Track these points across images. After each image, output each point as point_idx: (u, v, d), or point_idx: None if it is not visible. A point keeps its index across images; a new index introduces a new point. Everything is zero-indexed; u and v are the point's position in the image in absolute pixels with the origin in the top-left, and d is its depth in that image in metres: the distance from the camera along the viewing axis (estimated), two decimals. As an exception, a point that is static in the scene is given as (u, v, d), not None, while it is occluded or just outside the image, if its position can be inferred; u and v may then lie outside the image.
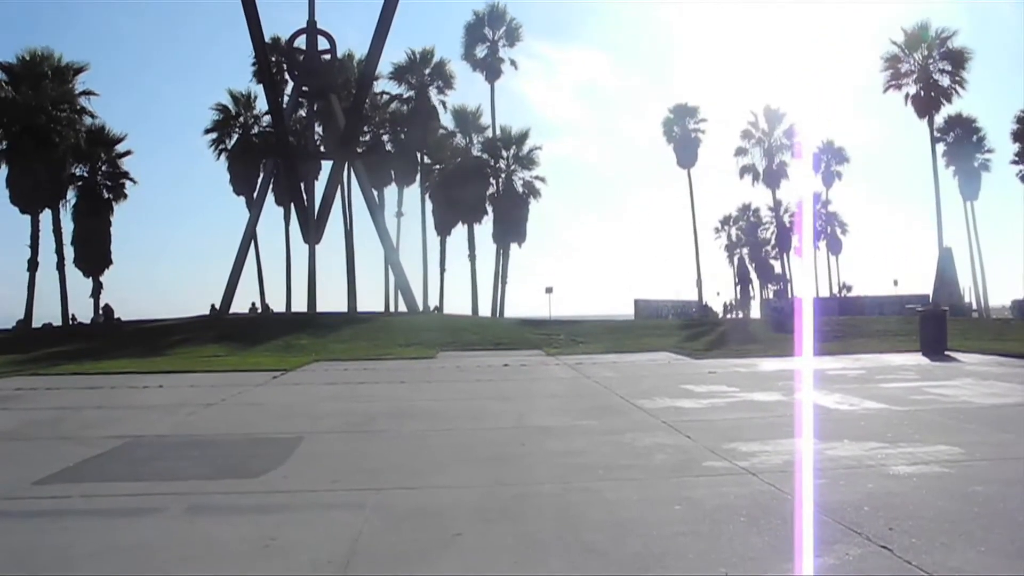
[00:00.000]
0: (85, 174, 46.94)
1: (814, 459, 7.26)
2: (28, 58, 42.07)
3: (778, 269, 74.01)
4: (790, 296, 66.61)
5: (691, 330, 31.16)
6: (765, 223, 79.08)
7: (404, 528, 5.38)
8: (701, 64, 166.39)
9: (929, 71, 54.09)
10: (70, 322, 44.22)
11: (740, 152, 64.79)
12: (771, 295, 69.40)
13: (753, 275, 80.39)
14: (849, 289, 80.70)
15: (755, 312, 56.79)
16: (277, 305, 51.87)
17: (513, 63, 56.32)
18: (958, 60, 53.80)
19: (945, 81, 54.29)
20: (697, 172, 65.89)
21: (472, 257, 54.78)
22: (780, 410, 10.56)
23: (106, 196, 47.33)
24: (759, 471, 6.76)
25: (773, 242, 75.72)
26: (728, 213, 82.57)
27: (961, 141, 60.14)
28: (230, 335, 29.86)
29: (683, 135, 61.97)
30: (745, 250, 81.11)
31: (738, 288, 54.33)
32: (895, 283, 72.18)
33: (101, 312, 44.57)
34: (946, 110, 56.43)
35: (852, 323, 31.63)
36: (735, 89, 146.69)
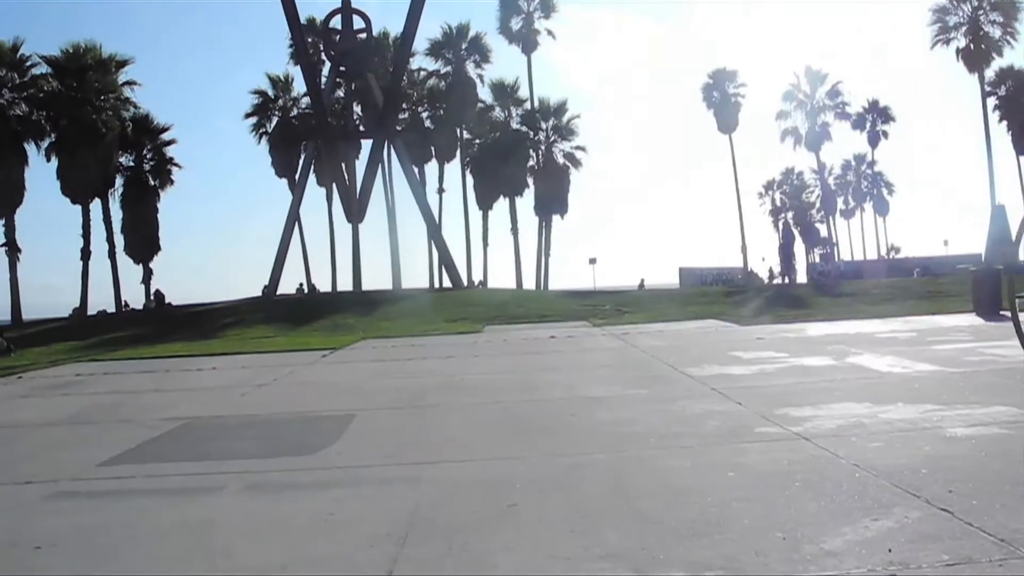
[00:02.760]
0: (132, 163, 47.67)
1: (868, 423, 7.19)
2: (72, 51, 42.66)
3: (824, 232, 72.92)
4: (837, 260, 65.72)
5: (737, 297, 30.90)
6: (809, 186, 77.88)
7: (460, 500, 5.44)
8: (739, 27, 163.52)
9: (979, 23, 52.57)
10: (123, 309, 45.10)
11: (781, 115, 63.73)
12: (817, 259, 68.40)
13: (798, 239, 79.42)
14: (897, 251, 79.44)
15: (801, 276, 56.08)
16: (323, 285, 52.43)
17: (550, 33, 55.89)
18: (1009, 10, 52.18)
19: (996, 33, 52.78)
20: (738, 137, 64.86)
21: (515, 231, 54.75)
22: (831, 374, 10.45)
23: (152, 184, 48.03)
24: (812, 436, 6.71)
25: (818, 205, 74.57)
26: (771, 177, 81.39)
27: (1014, 94, 58.38)
28: (278, 316, 30.27)
29: (723, 100, 61.06)
30: (790, 214, 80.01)
31: (782, 253, 53.58)
32: (945, 243, 70.64)
33: (152, 298, 45.39)
34: (997, 63, 54.93)
35: (901, 285, 31.11)
36: (775, 51, 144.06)
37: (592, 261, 50.16)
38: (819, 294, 28.70)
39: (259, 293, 42.91)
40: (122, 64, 44.68)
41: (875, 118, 71.57)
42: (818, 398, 8.54)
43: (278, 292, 43.13)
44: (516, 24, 54.82)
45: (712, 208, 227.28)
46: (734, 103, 61.40)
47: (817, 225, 75.80)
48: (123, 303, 46.20)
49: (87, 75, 42.21)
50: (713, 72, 61.95)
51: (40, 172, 50.54)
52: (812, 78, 63.36)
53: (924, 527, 4.33)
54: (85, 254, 44.16)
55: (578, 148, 55.75)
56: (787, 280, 51.34)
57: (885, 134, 73.12)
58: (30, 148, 41.59)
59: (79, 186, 42.59)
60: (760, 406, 8.20)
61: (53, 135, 42.11)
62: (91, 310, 43.93)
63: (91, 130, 41.37)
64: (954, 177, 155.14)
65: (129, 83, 45.56)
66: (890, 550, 4.02)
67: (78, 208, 43.97)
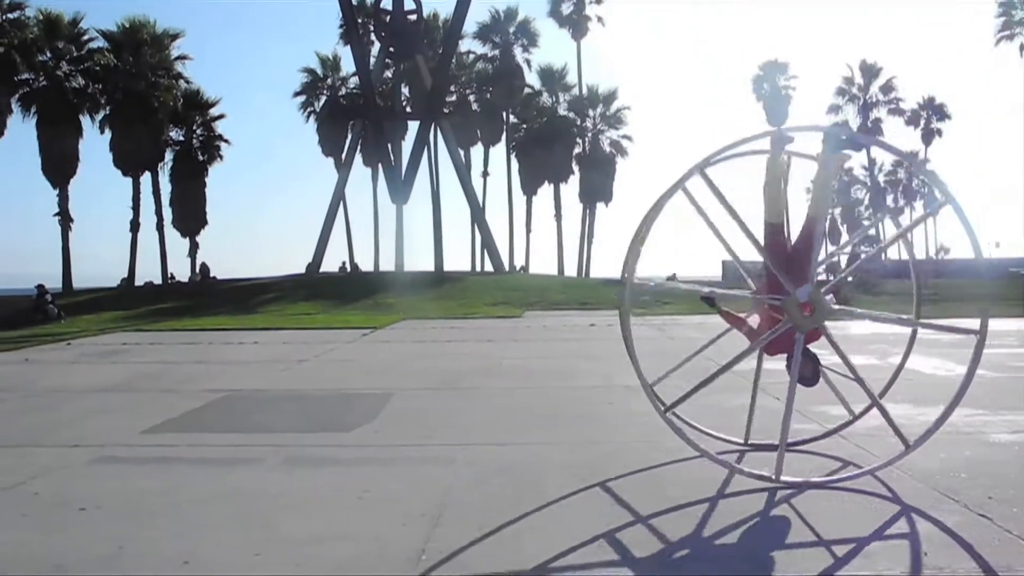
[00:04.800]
0: (182, 137, 48.32)
1: (908, 424, 7.09)
2: (128, 26, 43.28)
3: (872, 231, 71.70)
4: (883, 258, 64.66)
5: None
6: (858, 183, 76.64)
7: (494, 483, 5.48)
8: (792, 18, 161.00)
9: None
10: (169, 281, 45.83)
11: (833, 109, 62.65)
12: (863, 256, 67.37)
13: (845, 236, 78.30)
14: (947, 251, 77.89)
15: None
16: (366, 264, 52.80)
17: (600, 19, 55.39)
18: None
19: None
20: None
21: (558, 217, 54.60)
22: (872, 374, 10.27)
23: (201, 159, 48.64)
24: (850, 434, 6.66)
25: (866, 202, 73.36)
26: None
27: (1077, 95, 56.76)
28: (321, 293, 30.59)
29: (773, 92, 60.17)
30: (837, 211, 78.89)
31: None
32: (996, 245, 68.90)
33: (198, 271, 46.05)
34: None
35: (949, 286, 30.52)
36: (827, 44, 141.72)
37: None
38: (863, 293, 28.23)
39: (302, 270, 43.36)
40: (174, 37, 45.22)
41: (930, 115, 70.02)
42: (858, 397, 8.42)
43: (321, 270, 43.54)
44: (566, 9, 54.44)
45: (758, 201, 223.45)
46: (784, 95, 60.48)
47: (865, 223, 74.64)
48: (169, 275, 46.94)
49: (142, 50, 42.80)
50: (764, 64, 61.08)
51: (93, 144, 51.44)
52: (866, 72, 62.25)
53: (962, 532, 4.28)
54: (134, 226, 44.93)
55: (625, 137, 55.37)
56: (832, 278, 50.59)
57: (939, 132, 71.47)
58: (85, 120, 42.36)
59: (131, 159, 43.27)
60: (798, 402, 8.07)
61: (108, 108, 42.80)
62: (138, 281, 44.72)
63: (144, 104, 42.00)
64: (1010, 178, 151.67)
65: (181, 57, 46.16)
66: (926, 554, 3.99)
67: (129, 180, 44.73)
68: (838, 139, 5.53)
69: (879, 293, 28.39)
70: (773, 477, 5.14)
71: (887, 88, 61.97)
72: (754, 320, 6.02)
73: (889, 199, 78.86)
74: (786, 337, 5.44)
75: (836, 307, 5.55)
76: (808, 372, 5.67)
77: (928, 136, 71.09)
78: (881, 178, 76.26)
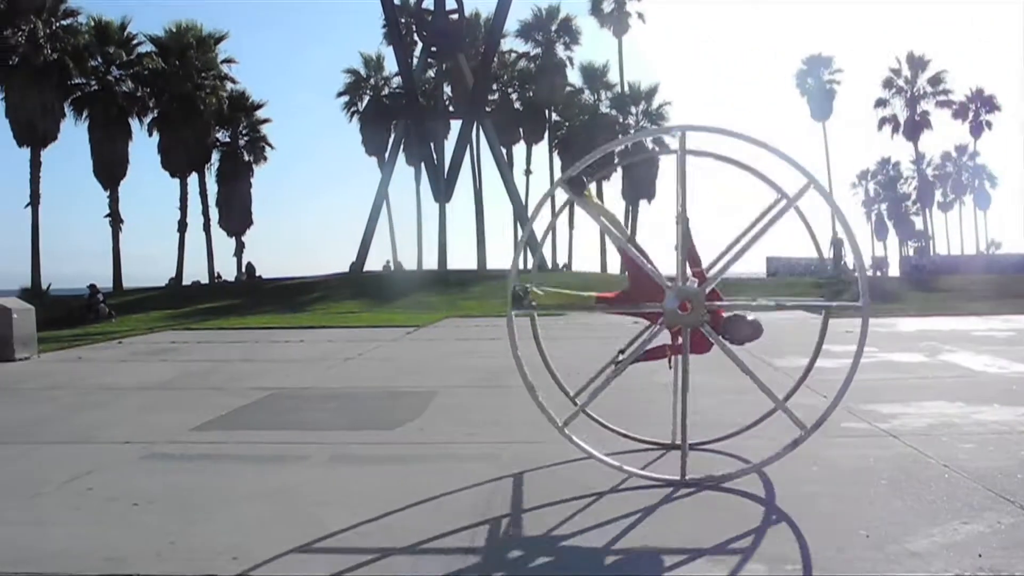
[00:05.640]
0: (227, 138, 48.98)
1: (960, 423, 6.96)
2: (175, 30, 43.99)
3: (919, 225, 70.45)
4: (932, 253, 63.47)
5: (826, 288, 30.09)
6: (905, 177, 75.34)
7: (538, 480, 5.49)
8: (836, 12, 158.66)
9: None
10: (216, 280, 46.48)
11: (880, 103, 61.55)
12: (911, 252, 66.15)
13: (892, 231, 77.12)
14: (998, 246, 76.30)
15: (894, 270, 54.33)
16: (409, 263, 53.04)
17: (640, 16, 55.07)
18: None
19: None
20: (831, 124, 62.88)
21: (601, 214, 54.37)
22: (922, 371, 10.14)
23: (247, 159, 49.29)
24: (900, 433, 6.54)
25: (914, 197, 72.02)
26: (866, 167, 79.00)
27: None
28: (365, 292, 30.80)
29: (817, 87, 59.36)
30: (883, 205, 77.67)
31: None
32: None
33: (244, 270, 46.65)
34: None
35: (1000, 282, 29.88)
36: (873, 37, 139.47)
37: (678, 248, 49.47)
38: (912, 288, 27.76)
39: (346, 269, 43.69)
40: (219, 40, 45.83)
41: (979, 107, 68.50)
42: (908, 395, 8.30)
43: (365, 268, 43.86)
44: (607, 6, 54.23)
45: (803, 198, 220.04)
46: (829, 90, 59.66)
47: (912, 217, 73.40)
48: (216, 275, 47.58)
49: (188, 53, 43.46)
50: (808, 58, 60.34)
51: (142, 146, 52.33)
52: (913, 64, 61.05)
53: (1018, 533, 4.19)
54: (182, 226, 45.64)
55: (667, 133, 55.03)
56: (879, 273, 49.83)
57: (989, 124, 69.90)
58: (134, 123, 43.13)
59: (178, 161, 43.96)
60: (846, 400, 7.98)
61: (156, 111, 43.53)
62: (186, 280, 45.41)
63: (191, 106, 42.65)
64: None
65: (227, 60, 46.77)
66: (980, 555, 3.91)
67: (176, 182, 45.46)
68: (574, 184, 5.74)
69: (932, 289, 27.89)
70: (676, 478, 5.18)
71: (935, 80, 60.74)
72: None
73: (938, 193, 77.26)
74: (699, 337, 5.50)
75: (718, 303, 5.52)
76: (747, 332, 5.63)
77: (977, 129, 69.62)
78: (929, 172, 74.72)
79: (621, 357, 5.89)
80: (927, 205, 69.91)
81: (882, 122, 61.60)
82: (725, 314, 5.63)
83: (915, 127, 60.79)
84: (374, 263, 46.82)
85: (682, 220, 5.47)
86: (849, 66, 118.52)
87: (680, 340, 5.46)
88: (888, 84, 61.37)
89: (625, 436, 6.45)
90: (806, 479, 5.32)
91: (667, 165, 57.94)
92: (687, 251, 5.44)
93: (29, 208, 38.63)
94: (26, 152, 38.75)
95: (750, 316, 5.63)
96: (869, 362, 11.05)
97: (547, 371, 6.16)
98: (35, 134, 38.19)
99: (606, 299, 6.06)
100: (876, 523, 4.42)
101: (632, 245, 5.62)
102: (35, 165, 38.78)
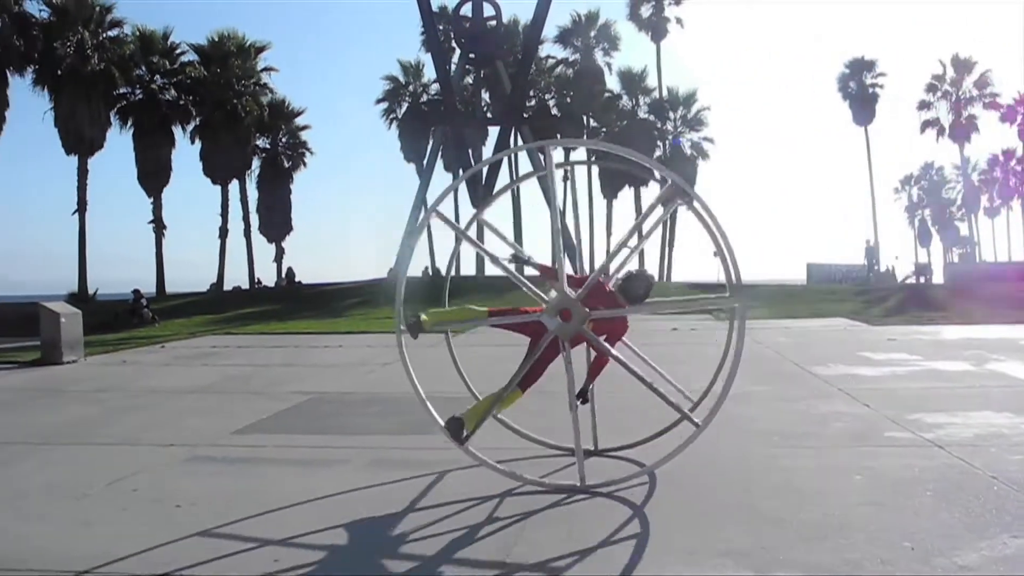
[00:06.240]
0: (267, 145, 49.56)
1: (1009, 433, 6.82)
2: (217, 39, 44.60)
3: (964, 231, 69.14)
4: (978, 260, 62.27)
5: (868, 296, 29.70)
6: (950, 182, 74.05)
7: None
8: (879, 14, 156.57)
9: None
10: (256, 285, 46.94)
11: (923, 106, 60.47)
12: (956, 258, 64.91)
13: (935, 237, 75.83)
14: (1043, 254, 74.62)
15: (938, 277, 53.42)
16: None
17: (679, 21, 54.82)
18: None
19: None
20: (873, 129, 62.02)
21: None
22: (968, 380, 9.94)
23: (286, 166, 49.84)
24: (946, 444, 6.41)
25: (959, 202, 70.70)
26: (909, 172, 77.75)
27: None
28: (404, 297, 30.86)
29: (859, 91, 58.54)
30: (927, 211, 76.42)
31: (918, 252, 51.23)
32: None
33: (284, 276, 47.07)
34: None
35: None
36: (916, 39, 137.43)
37: (716, 254, 49.22)
38: (956, 295, 27.23)
39: (385, 275, 43.94)
40: (260, 49, 46.36)
41: (1027, 110, 67.11)
42: (954, 404, 8.15)
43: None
44: (646, 11, 54.06)
45: (843, 203, 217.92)
46: (871, 94, 58.84)
47: (957, 223, 72.11)
48: (256, 280, 48.06)
49: (229, 61, 44.03)
50: (850, 62, 59.51)
51: (184, 154, 53.07)
52: (959, 67, 59.96)
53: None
54: (223, 232, 46.17)
55: (706, 139, 54.65)
56: (923, 279, 49.03)
57: (1038, 128, 68.46)
58: (176, 131, 43.76)
59: (219, 167, 44.52)
60: (890, 410, 7.89)
61: (198, 119, 44.15)
62: (227, 286, 45.89)
63: (232, 114, 43.21)
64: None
65: (267, 68, 47.29)
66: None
67: (217, 188, 46.03)
68: (411, 329, 6.05)
69: (978, 296, 27.35)
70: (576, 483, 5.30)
71: (981, 83, 59.57)
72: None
73: (984, 198, 75.80)
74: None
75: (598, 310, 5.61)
76: (642, 287, 5.93)
77: (1026, 133, 68.16)
78: (975, 176, 73.34)
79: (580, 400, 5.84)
80: (973, 211, 68.58)
81: (925, 125, 60.58)
82: (621, 275, 6.01)
83: (960, 130, 59.68)
84: (414, 269, 47.04)
85: (557, 233, 5.82)
86: (892, 68, 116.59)
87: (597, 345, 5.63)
88: (932, 87, 60.34)
89: (542, 443, 6.63)
90: (849, 489, 5.24)
91: (705, 170, 57.58)
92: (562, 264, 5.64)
93: (76, 215, 39.34)
94: (74, 160, 39.50)
95: (637, 272, 6.05)
96: (912, 370, 10.90)
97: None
98: (83, 143, 38.92)
99: (499, 312, 6.03)
100: (922, 535, 4.34)
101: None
102: (82, 173, 39.47)
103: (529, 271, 6.03)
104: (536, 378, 5.81)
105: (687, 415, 5.46)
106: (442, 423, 5.51)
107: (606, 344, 5.62)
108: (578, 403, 5.60)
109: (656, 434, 6.42)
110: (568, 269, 6.03)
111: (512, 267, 6.04)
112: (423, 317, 5.78)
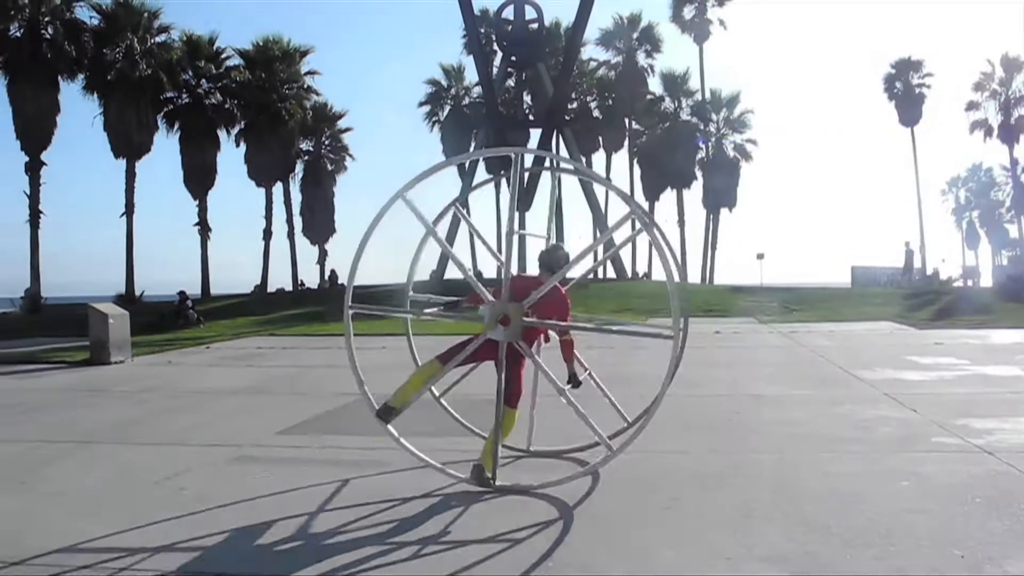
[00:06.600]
0: (311, 148, 50.11)
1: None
2: (261, 44, 45.18)
3: (1013, 233, 67.59)
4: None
5: (914, 299, 29.17)
6: (999, 184, 72.47)
7: (621, 492, 5.45)
8: (926, 13, 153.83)
9: None
10: (299, 287, 47.43)
11: (971, 106, 59.20)
12: (1005, 261, 63.51)
13: (984, 240, 74.27)
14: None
15: (986, 280, 52.30)
16: (489, 272, 53.31)
17: (722, 23, 54.36)
18: None
19: None
20: (920, 130, 60.92)
21: (681, 223, 53.88)
22: (1017, 385, 9.73)
23: (329, 168, 50.35)
24: (996, 450, 6.28)
25: (1008, 204, 69.14)
26: (956, 174, 76.29)
27: None
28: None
29: (906, 91, 57.58)
30: (975, 213, 74.89)
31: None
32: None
33: (327, 278, 47.49)
34: None
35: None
36: (963, 38, 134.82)
37: (760, 256, 48.76)
38: (1007, 299, 26.64)
39: (427, 277, 44.15)
40: (304, 54, 46.88)
41: (1083, 109, 65.46)
42: (1003, 410, 7.98)
43: (445, 277, 44.23)
44: (689, 13, 53.73)
45: (889, 205, 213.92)
46: (918, 95, 57.83)
47: (1007, 225, 70.54)
48: (299, 282, 48.57)
49: (274, 66, 44.56)
50: (896, 62, 58.56)
51: (229, 157, 53.77)
52: (1008, 66, 58.64)
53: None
54: (267, 234, 46.71)
55: (749, 141, 54.17)
56: (970, 283, 48.07)
57: (1094, 128, 66.74)
58: (221, 134, 44.38)
59: (264, 170, 45.09)
60: (937, 415, 7.76)
61: (242, 123, 44.75)
62: (271, 287, 46.43)
63: (276, 118, 43.74)
64: None
65: (310, 72, 47.79)
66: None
67: (262, 191, 46.59)
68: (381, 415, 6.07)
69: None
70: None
71: (1033, 82, 58.28)
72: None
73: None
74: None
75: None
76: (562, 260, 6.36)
77: (1081, 133, 66.53)
78: (1025, 178, 71.71)
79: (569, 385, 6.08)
80: (1022, 213, 67.11)
81: (974, 126, 59.32)
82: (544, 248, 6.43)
83: (1010, 131, 58.36)
84: (455, 271, 47.24)
85: (507, 240, 6.17)
86: (939, 68, 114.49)
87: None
88: (980, 87, 59.17)
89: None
90: (895, 496, 5.16)
91: (748, 173, 56.94)
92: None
93: (124, 217, 40.05)
94: (122, 163, 40.23)
95: (552, 245, 6.39)
96: (960, 375, 10.70)
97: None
98: (131, 146, 39.62)
99: (448, 354, 6.25)
100: (971, 543, 4.25)
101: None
102: (130, 176, 40.19)
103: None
104: (519, 390, 6.05)
105: (604, 440, 5.64)
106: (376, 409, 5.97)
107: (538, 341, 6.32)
108: (569, 387, 5.97)
109: (576, 448, 6.77)
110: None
111: (470, 272, 6.19)
112: (391, 405, 6.02)
